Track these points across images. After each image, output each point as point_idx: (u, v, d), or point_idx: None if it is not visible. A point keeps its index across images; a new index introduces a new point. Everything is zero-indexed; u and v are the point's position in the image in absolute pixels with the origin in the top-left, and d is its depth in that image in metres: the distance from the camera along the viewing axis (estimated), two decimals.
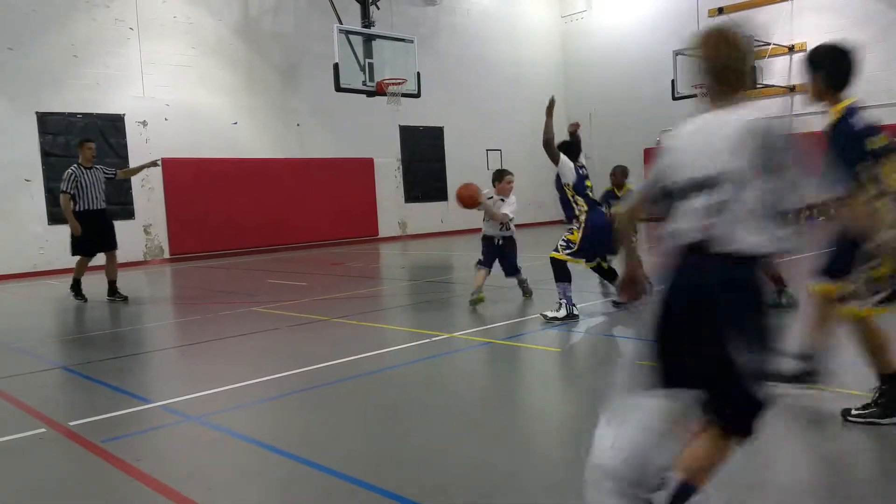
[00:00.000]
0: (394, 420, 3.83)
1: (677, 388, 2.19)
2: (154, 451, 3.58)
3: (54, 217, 13.53)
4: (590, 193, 6.34)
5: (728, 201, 2.11)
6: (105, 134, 14.31)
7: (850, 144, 3.12)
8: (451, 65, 20.10)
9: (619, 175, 7.59)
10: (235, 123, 16.44)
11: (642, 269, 2.62)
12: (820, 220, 2.98)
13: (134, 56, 14.91)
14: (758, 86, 17.57)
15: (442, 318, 6.97)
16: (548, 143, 6.10)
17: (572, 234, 6.28)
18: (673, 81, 18.30)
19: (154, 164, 10.19)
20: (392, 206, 19.32)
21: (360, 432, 3.65)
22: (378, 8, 15.83)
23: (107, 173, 9.39)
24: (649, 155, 21.08)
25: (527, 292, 7.50)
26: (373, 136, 18.53)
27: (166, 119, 15.32)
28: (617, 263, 7.14)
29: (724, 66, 2.24)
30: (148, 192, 15.08)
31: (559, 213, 6.53)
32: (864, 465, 3.07)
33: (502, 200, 7.35)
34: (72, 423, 3.91)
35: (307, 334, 6.48)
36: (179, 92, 15.50)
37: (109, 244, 9.30)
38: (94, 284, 9.51)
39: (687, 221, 2.19)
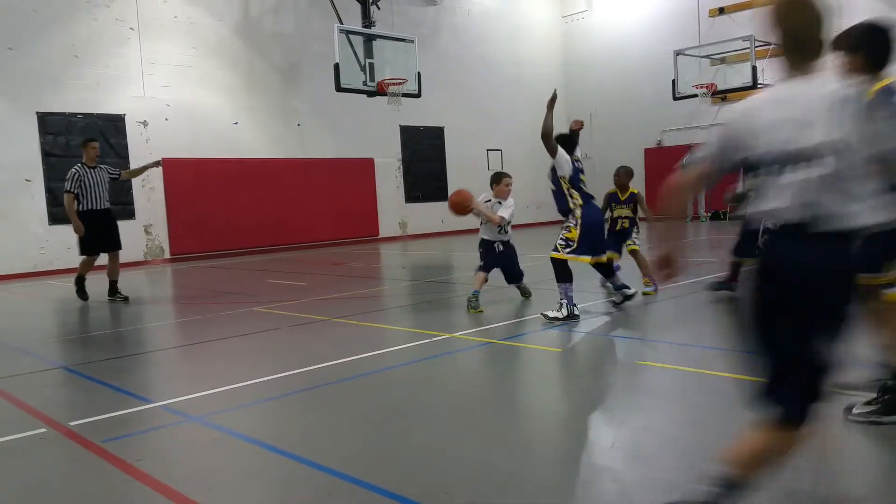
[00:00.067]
0: (394, 420, 3.83)
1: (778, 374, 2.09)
2: (155, 451, 3.58)
3: (55, 217, 13.55)
4: (584, 187, 6.34)
5: (830, 175, 1.99)
6: (105, 134, 14.32)
7: None
8: (451, 65, 20.11)
9: (623, 175, 7.54)
10: (236, 123, 16.44)
11: (678, 250, 2.51)
12: None
13: (134, 56, 14.92)
14: (759, 85, 17.59)
15: (442, 318, 6.97)
16: (546, 135, 6.11)
17: (570, 231, 6.26)
18: (673, 81, 18.31)
19: (157, 164, 10.20)
20: (392, 207, 19.33)
21: (360, 432, 3.66)
22: (378, 8, 15.85)
23: (111, 173, 9.37)
24: (649, 155, 21.09)
25: (525, 293, 7.49)
26: (373, 136, 18.54)
27: (167, 119, 15.33)
28: (615, 257, 7.15)
29: (802, 32, 2.13)
30: (148, 193, 15.09)
31: (559, 214, 6.51)
32: (865, 463, 3.06)
33: (500, 203, 7.27)
34: (72, 423, 3.91)
35: (308, 334, 6.48)
36: (180, 92, 15.51)
37: (113, 244, 9.29)
38: (95, 284, 9.51)
39: (783, 199, 2.05)
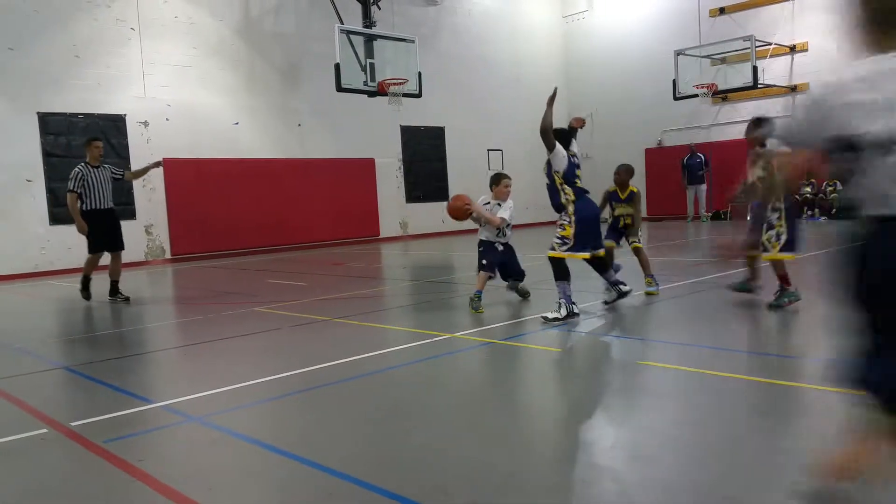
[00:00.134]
0: (394, 420, 3.84)
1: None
2: (155, 451, 3.59)
3: (56, 217, 13.57)
4: (578, 182, 6.34)
5: None
6: (106, 134, 14.32)
7: None
8: (452, 65, 20.11)
9: (623, 174, 7.52)
10: (236, 124, 16.45)
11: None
12: None
13: (135, 56, 14.93)
14: (759, 85, 17.59)
15: (443, 318, 6.97)
16: (545, 130, 6.13)
17: (564, 229, 6.25)
18: (674, 81, 18.31)
19: (157, 164, 10.16)
20: (393, 207, 19.33)
21: (360, 432, 3.66)
22: (379, 8, 15.86)
23: (115, 173, 9.35)
24: (650, 155, 21.09)
25: (524, 294, 7.49)
26: (374, 136, 18.54)
27: (167, 119, 15.34)
28: (609, 253, 7.10)
29: (892, 4, 2.05)
30: (149, 193, 15.10)
31: (553, 209, 6.50)
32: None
33: (499, 205, 7.26)
34: (73, 424, 3.92)
35: (308, 334, 6.49)
36: (180, 92, 15.52)
37: (116, 245, 9.29)
38: (96, 284, 9.51)
39: (891, 184, 1.94)
